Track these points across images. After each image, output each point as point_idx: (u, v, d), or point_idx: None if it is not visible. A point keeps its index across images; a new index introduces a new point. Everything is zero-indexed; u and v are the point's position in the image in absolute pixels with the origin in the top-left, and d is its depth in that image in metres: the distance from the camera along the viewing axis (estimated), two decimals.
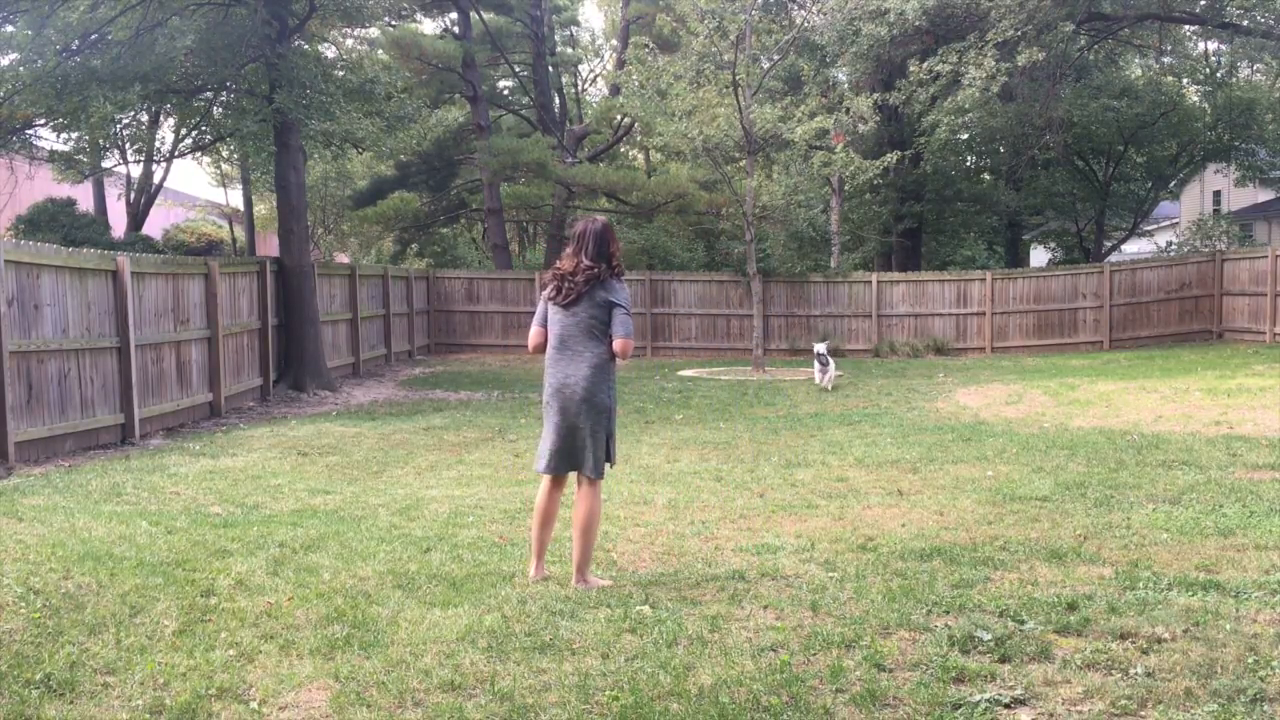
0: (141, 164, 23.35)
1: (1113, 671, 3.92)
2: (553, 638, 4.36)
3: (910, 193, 26.38)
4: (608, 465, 5.31)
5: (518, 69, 29.65)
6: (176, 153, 23.24)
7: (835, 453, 9.52)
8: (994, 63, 20.34)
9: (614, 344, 5.23)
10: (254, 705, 3.72)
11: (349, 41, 25.28)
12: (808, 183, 23.52)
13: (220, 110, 18.00)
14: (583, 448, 5.22)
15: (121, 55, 13.32)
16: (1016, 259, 31.57)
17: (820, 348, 15.85)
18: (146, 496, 7.86)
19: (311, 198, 25.76)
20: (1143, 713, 3.61)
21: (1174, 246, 28.39)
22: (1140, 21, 23.63)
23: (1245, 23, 23.21)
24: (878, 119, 21.27)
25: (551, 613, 4.69)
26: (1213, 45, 29.83)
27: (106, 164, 21.31)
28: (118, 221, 24.95)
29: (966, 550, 5.72)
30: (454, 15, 27.52)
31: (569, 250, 5.35)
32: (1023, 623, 4.44)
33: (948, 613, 4.63)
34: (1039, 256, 39.33)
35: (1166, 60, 28.41)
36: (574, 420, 5.21)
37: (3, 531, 6.08)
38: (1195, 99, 28.21)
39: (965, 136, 26.44)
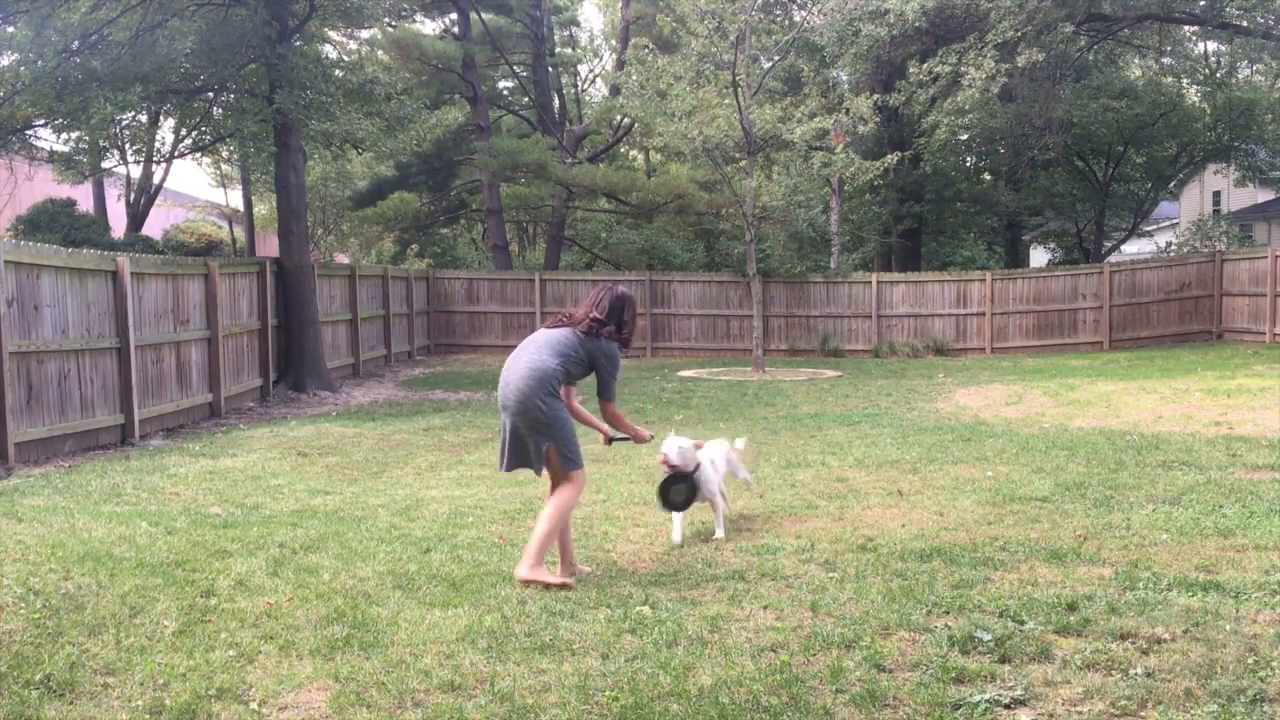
0: (141, 164, 23.36)
1: (1113, 672, 3.92)
2: (552, 638, 4.36)
3: (910, 193, 26.38)
4: (574, 466, 5.31)
5: (518, 69, 29.65)
6: (176, 153, 23.25)
7: (835, 453, 9.51)
8: (993, 63, 20.34)
9: (602, 407, 5.45)
10: (254, 706, 3.72)
11: (351, 44, 25.30)
12: (808, 183, 23.53)
13: (220, 111, 18.02)
14: (526, 448, 5.27)
15: (122, 56, 13.33)
16: (1016, 259, 31.58)
17: (673, 452, 5.92)
18: (146, 497, 7.86)
19: (311, 198, 25.77)
20: (1143, 713, 3.60)
21: (1174, 247, 28.40)
22: (1140, 22, 23.64)
23: (1245, 23, 23.22)
24: (877, 120, 21.27)
25: (551, 613, 4.69)
26: (1212, 45, 29.84)
27: (106, 164, 21.32)
28: (118, 222, 24.96)
29: (966, 550, 5.72)
30: (454, 16, 27.53)
31: (583, 305, 5.52)
32: (1023, 623, 4.44)
33: (948, 613, 4.62)
34: (1039, 257, 39.33)
35: (1166, 61, 28.41)
36: (514, 420, 5.26)
37: (3, 532, 6.08)
38: (1195, 99, 28.22)
39: (965, 137, 26.45)
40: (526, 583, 5.07)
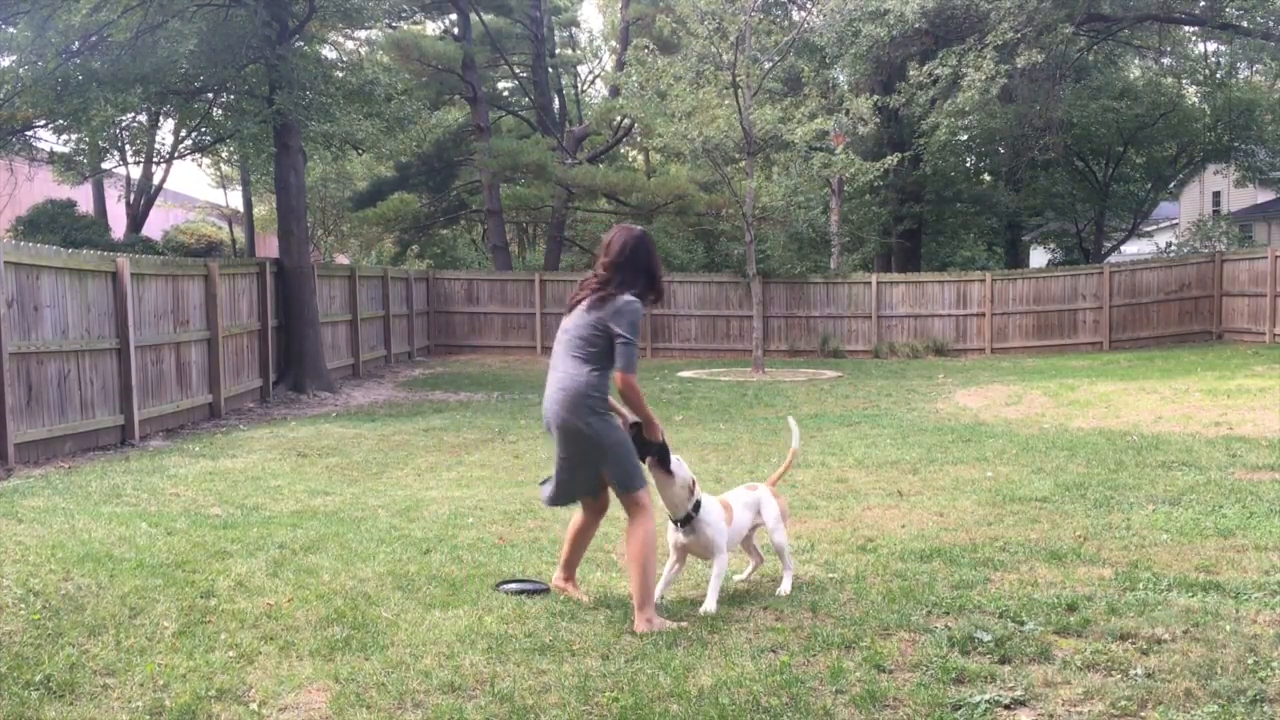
0: (141, 165, 23.36)
1: (1113, 672, 3.92)
2: (553, 639, 4.36)
3: (910, 194, 26.37)
4: (637, 487, 4.61)
5: (517, 70, 29.66)
6: (176, 154, 23.25)
7: (835, 454, 9.51)
8: (993, 65, 20.35)
9: (618, 379, 4.56)
10: (254, 707, 3.72)
11: (349, 44, 25.30)
12: (807, 184, 23.53)
13: (220, 111, 18.03)
14: (577, 480, 4.71)
15: (122, 57, 13.33)
16: (1016, 260, 31.57)
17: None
18: (146, 498, 7.86)
19: (311, 199, 25.77)
20: (1143, 713, 3.60)
21: (1173, 247, 28.41)
22: (1140, 22, 23.66)
23: (1245, 23, 23.23)
24: (877, 120, 21.27)
25: (551, 614, 4.69)
26: (1212, 46, 29.84)
27: (106, 165, 21.32)
28: (118, 223, 24.95)
29: (966, 551, 5.72)
30: (454, 17, 27.54)
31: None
32: (1023, 624, 4.43)
33: (948, 614, 4.62)
34: (1039, 257, 39.31)
35: (1166, 61, 28.42)
36: (561, 448, 4.68)
37: (3, 533, 6.07)
38: (1195, 100, 28.22)
39: (965, 138, 26.46)
40: (646, 635, 4.38)
